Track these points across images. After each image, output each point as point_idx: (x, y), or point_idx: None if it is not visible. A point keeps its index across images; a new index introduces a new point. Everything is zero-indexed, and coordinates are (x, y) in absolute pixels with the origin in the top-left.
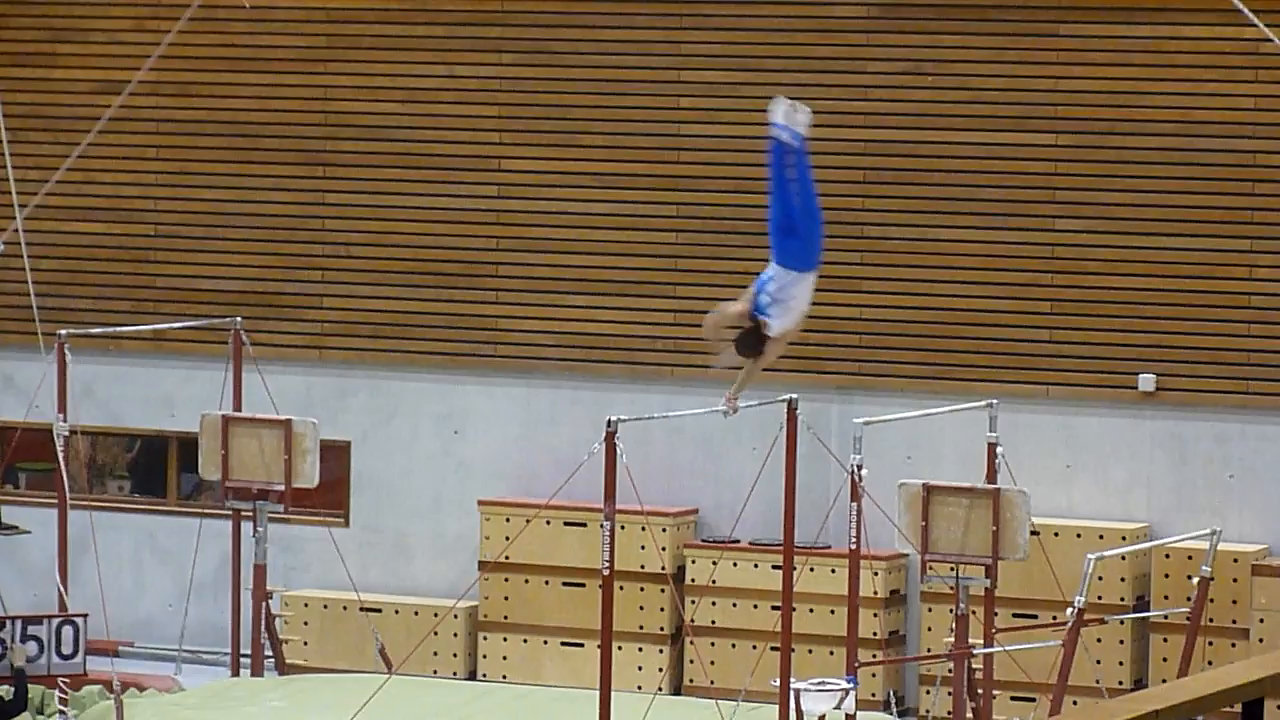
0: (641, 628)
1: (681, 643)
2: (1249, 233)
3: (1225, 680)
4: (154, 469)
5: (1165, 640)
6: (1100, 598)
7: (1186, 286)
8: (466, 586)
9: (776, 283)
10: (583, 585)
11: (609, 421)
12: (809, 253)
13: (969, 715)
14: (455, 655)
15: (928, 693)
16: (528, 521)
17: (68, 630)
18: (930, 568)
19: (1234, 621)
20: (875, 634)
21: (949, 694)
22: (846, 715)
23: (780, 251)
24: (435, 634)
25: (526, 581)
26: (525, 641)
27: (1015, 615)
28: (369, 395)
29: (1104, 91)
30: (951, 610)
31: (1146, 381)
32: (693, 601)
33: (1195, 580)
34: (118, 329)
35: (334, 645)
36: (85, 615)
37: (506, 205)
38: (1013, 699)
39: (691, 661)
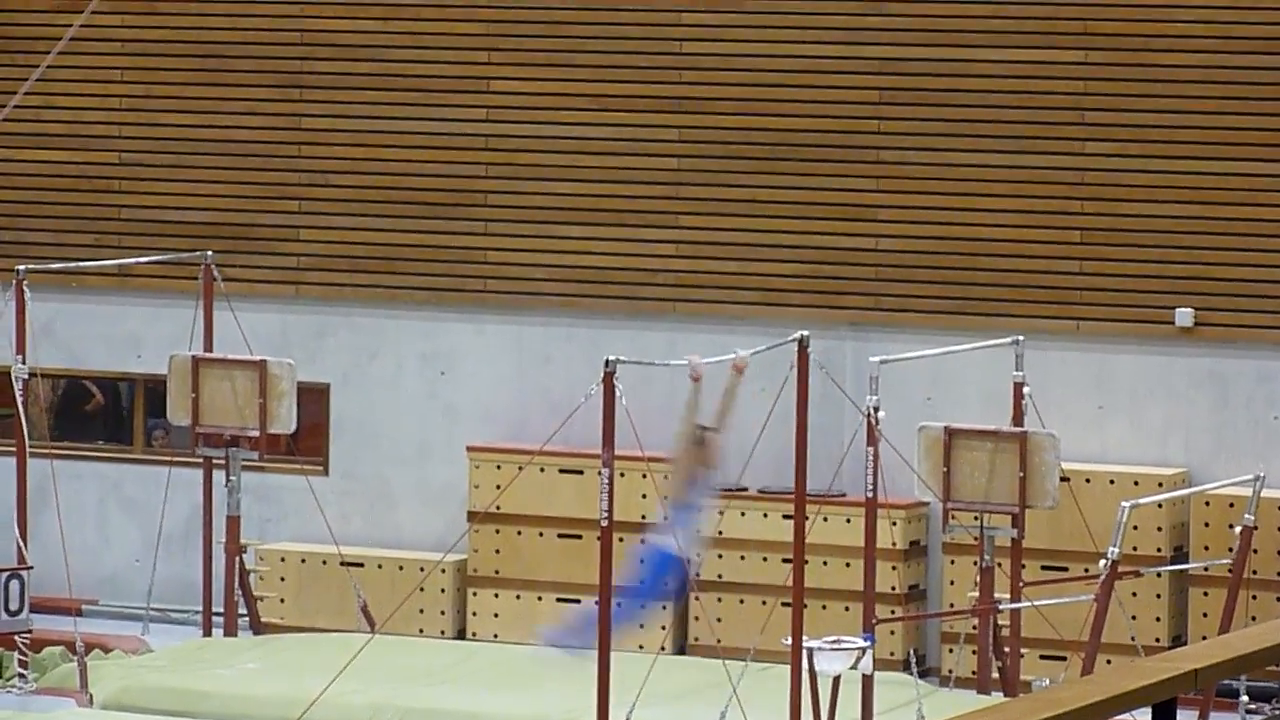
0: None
1: (686, 599)
2: None
3: (1270, 637)
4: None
5: (1205, 594)
6: (1135, 549)
7: (1227, 214)
8: (455, 539)
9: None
10: (579, 537)
11: (607, 361)
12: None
13: (995, 675)
14: (443, 613)
15: (950, 651)
16: (520, 469)
17: (14, 585)
18: (953, 517)
19: (1279, 574)
20: (894, 588)
21: (973, 653)
22: (863, 675)
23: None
24: (421, 590)
25: (519, 533)
26: (518, 598)
27: (1044, 568)
28: (349, 334)
29: (1138, 5)
30: (975, 563)
31: (1184, 316)
32: (698, 554)
33: (1237, 529)
34: (80, 264)
35: (312, 602)
36: (30, 568)
37: (496, 129)
38: (1042, 658)
39: (697, 619)
